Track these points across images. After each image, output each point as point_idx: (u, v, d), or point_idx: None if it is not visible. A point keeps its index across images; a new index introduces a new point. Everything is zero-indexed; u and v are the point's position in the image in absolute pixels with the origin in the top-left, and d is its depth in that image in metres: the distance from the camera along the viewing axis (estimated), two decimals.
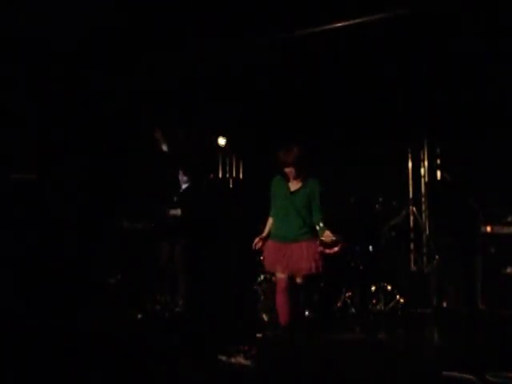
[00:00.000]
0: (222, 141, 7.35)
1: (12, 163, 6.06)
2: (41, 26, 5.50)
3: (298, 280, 4.51)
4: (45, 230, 6.06)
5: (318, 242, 4.35)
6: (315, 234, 4.47)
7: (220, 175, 8.04)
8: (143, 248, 6.19)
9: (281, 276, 4.51)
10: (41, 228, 6.03)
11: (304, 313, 5.22)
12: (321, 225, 4.41)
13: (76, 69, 6.15)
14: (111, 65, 6.22)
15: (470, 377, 3.77)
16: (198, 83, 6.55)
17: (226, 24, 5.50)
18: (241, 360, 4.19)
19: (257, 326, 4.59)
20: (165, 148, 5.96)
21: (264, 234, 4.70)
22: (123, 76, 6.42)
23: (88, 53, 5.96)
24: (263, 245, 4.66)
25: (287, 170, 4.53)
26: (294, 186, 4.61)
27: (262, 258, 4.82)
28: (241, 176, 8.04)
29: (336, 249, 4.34)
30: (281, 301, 4.49)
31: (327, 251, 4.34)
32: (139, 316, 5.57)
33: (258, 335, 4.50)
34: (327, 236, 4.31)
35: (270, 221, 4.73)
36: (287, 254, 4.49)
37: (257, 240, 4.65)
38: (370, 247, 6.19)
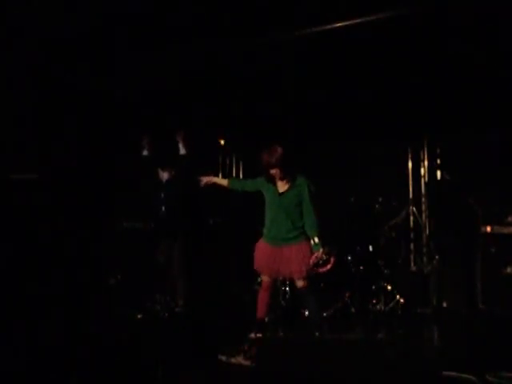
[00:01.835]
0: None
1: (12, 163, 6.06)
2: (40, 26, 5.50)
3: (300, 283, 4.46)
4: (45, 229, 6.06)
5: (311, 257, 4.32)
6: (307, 237, 4.43)
7: (220, 175, 8.05)
8: (143, 248, 6.19)
9: (265, 278, 4.61)
10: (41, 228, 6.03)
11: (304, 313, 5.24)
12: (316, 240, 4.32)
13: (76, 69, 6.16)
14: (111, 65, 6.22)
15: (470, 377, 3.77)
16: (198, 83, 6.55)
17: (225, 24, 5.50)
18: (241, 360, 4.19)
19: (256, 326, 4.59)
20: (145, 153, 5.99)
21: (213, 180, 4.83)
22: (123, 76, 6.42)
23: (88, 53, 5.96)
24: (256, 244, 4.65)
25: (272, 171, 4.39)
26: (281, 187, 4.48)
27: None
28: (241, 176, 8.05)
29: (329, 266, 4.34)
30: (262, 298, 4.63)
31: (320, 270, 4.34)
32: (139, 316, 5.58)
33: (258, 335, 4.50)
34: (319, 256, 4.29)
35: (224, 181, 4.84)
36: (277, 258, 4.47)
37: (205, 179, 4.80)
38: (370, 247, 6.20)
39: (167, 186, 5.89)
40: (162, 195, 5.86)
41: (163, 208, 5.85)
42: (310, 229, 4.40)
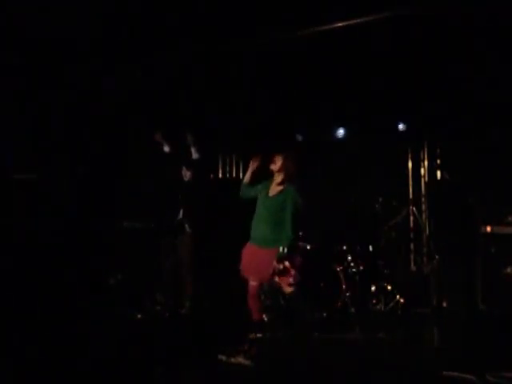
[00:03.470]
0: None
1: (12, 163, 6.06)
2: (41, 26, 5.50)
3: (287, 289, 4.41)
4: (45, 229, 6.06)
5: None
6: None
7: (220, 175, 8.05)
8: (143, 248, 6.19)
9: (252, 283, 4.54)
10: (41, 228, 6.03)
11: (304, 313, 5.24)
12: (280, 249, 4.27)
13: (77, 69, 6.16)
14: (111, 65, 6.22)
15: (470, 377, 3.77)
16: (197, 84, 6.54)
17: (227, 25, 5.50)
18: (241, 360, 4.19)
19: (256, 326, 4.58)
20: (167, 149, 5.99)
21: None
22: (123, 76, 6.42)
23: (89, 53, 5.96)
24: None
25: (274, 167, 4.46)
26: (273, 190, 4.53)
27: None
28: (241, 176, 8.05)
29: (290, 280, 4.27)
30: (251, 305, 4.58)
31: (283, 283, 4.27)
32: (139, 316, 5.58)
33: (258, 335, 4.50)
34: (275, 266, 4.25)
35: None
36: (261, 260, 4.43)
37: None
38: (370, 247, 6.20)
39: (187, 187, 5.91)
40: (180, 196, 5.89)
41: (181, 208, 5.85)
42: (284, 238, 4.36)
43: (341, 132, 6.96)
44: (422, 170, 7.04)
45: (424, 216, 6.92)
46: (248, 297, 4.61)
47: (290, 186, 4.47)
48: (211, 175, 7.66)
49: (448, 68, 5.80)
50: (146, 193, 6.49)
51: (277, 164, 4.47)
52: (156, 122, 6.50)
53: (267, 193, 4.56)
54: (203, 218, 5.92)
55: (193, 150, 5.88)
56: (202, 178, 5.96)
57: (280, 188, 4.51)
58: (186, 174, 5.89)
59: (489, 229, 5.60)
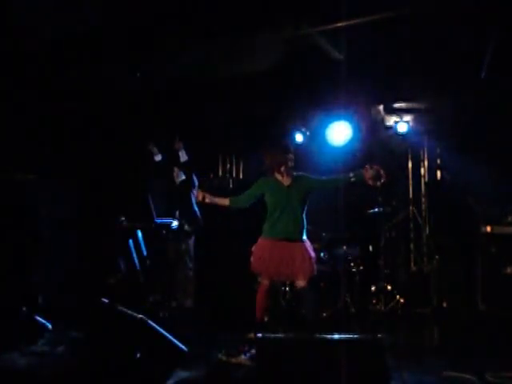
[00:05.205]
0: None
1: (12, 163, 6.06)
2: (41, 26, 5.50)
3: (301, 283, 4.43)
4: (45, 230, 6.06)
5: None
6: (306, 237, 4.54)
7: (220, 175, 8.04)
8: (143, 247, 6.19)
9: (265, 281, 4.53)
10: (41, 228, 6.03)
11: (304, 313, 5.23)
12: (351, 174, 4.47)
13: (77, 69, 6.16)
14: (112, 65, 6.22)
15: (470, 377, 3.78)
16: (196, 85, 6.54)
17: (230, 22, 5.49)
18: (241, 360, 4.19)
19: (256, 326, 4.58)
20: (158, 158, 6.04)
21: (213, 200, 4.64)
22: (123, 77, 6.42)
23: (90, 53, 5.96)
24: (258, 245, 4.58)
25: (290, 162, 4.51)
26: (286, 181, 4.55)
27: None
28: (241, 176, 8.04)
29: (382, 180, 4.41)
30: (260, 302, 4.56)
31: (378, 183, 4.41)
32: (139, 316, 5.56)
33: (258, 335, 4.50)
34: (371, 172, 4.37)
35: (225, 201, 4.66)
36: (279, 257, 4.41)
37: (202, 196, 4.60)
38: (370, 247, 6.20)
39: (179, 188, 5.96)
40: (173, 197, 5.95)
41: (177, 210, 5.89)
42: (340, 177, 4.61)
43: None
44: (422, 170, 7.04)
45: (424, 216, 6.92)
46: (257, 296, 4.57)
47: (298, 173, 4.59)
48: (211, 175, 7.66)
49: (447, 67, 5.80)
50: (146, 194, 6.49)
51: (292, 161, 4.55)
52: (148, 131, 6.53)
53: (280, 185, 4.53)
54: (200, 216, 5.94)
55: (180, 154, 5.94)
56: (193, 178, 6.00)
57: (290, 179, 4.54)
58: (177, 178, 5.94)
59: (489, 229, 5.60)
